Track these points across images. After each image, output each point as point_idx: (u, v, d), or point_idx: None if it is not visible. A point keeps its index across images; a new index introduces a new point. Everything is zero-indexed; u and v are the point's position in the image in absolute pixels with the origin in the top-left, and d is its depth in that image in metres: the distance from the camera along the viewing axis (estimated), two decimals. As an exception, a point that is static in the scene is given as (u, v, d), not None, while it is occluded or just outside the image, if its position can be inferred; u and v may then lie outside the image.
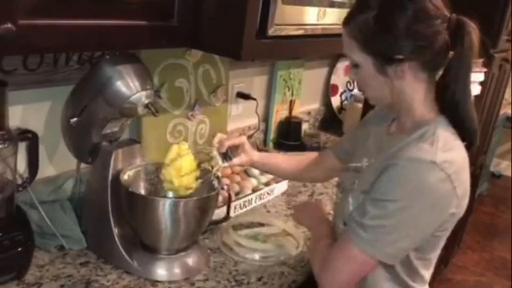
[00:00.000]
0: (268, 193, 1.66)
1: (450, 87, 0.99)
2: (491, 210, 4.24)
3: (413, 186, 0.92)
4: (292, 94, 2.17)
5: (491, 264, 3.47)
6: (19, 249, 1.07)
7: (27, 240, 1.09)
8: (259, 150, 1.79)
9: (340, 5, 1.36)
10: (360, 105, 2.22)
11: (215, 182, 1.25)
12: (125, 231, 1.22)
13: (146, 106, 1.16)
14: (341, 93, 2.55)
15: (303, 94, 2.25)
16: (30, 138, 1.12)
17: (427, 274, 1.09)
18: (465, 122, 1.01)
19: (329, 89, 2.50)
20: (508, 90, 2.99)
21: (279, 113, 2.14)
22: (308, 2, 1.27)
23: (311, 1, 1.28)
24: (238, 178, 1.68)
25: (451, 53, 0.97)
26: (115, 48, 1.10)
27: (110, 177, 1.20)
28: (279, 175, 1.56)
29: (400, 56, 0.95)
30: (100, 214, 1.22)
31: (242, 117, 1.98)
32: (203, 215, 1.21)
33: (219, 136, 1.30)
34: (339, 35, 1.03)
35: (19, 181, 1.14)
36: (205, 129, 1.72)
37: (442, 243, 1.05)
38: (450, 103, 1.00)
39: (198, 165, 1.22)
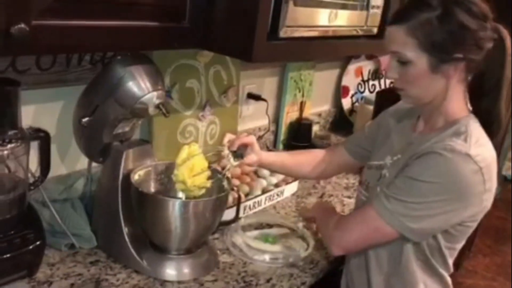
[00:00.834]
0: (278, 195, 1.66)
1: (484, 89, 1.05)
2: (503, 215, 4.17)
3: (447, 173, 0.97)
4: (302, 96, 2.17)
5: (502, 269, 3.43)
6: (30, 247, 1.08)
7: (38, 238, 1.10)
8: (269, 151, 1.78)
9: (352, 7, 1.36)
10: (370, 107, 2.21)
11: (225, 183, 1.25)
12: (135, 230, 1.23)
13: (157, 106, 1.17)
14: (352, 95, 2.54)
15: (314, 95, 2.25)
16: (42, 137, 1.13)
17: (451, 264, 1.14)
18: (493, 124, 1.07)
19: (340, 91, 2.49)
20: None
21: (290, 115, 2.13)
22: (319, 4, 1.27)
23: (323, 3, 1.28)
24: (248, 179, 1.67)
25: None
26: (127, 49, 1.11)
27: (120, 177, 1.21)
28: (287, 174, 1.57)
29: (460, 55, 0.99)
30: (110, 213, 1.23)
31: (253, 118, 1.98)
32: (213, 216, 1.22)
33: (228, 135, 1.30)
34: (350, 37, 1.03)
35: (31, 180, 1.15)
36: (216, 129, 1.73)
37: (468, 235, 1.10)
38: (482, 106, 1.06)
39: (209, 166, 1.23)
